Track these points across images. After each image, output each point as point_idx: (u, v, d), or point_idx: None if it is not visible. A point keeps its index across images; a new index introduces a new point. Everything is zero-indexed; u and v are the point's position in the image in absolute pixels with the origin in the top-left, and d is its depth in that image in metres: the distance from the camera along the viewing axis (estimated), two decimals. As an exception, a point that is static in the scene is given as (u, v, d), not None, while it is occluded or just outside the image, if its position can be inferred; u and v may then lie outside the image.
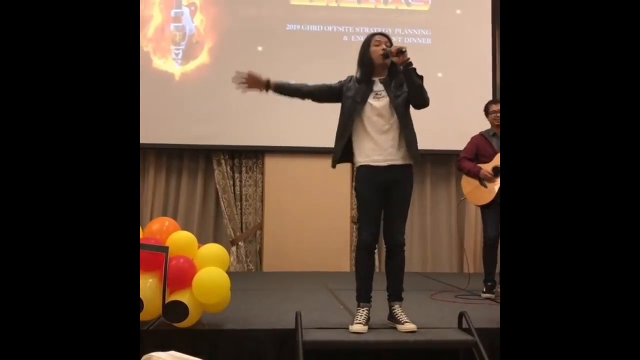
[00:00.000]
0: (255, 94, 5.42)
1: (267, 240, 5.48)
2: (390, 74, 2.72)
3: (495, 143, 3.91)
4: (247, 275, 5.13)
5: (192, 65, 5.49)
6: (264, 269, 5.45)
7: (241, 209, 5.52)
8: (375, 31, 2.84)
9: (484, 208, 3.93)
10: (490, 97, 5.48)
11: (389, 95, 2.68)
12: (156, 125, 5.27)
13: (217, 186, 5.51)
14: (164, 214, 5.40)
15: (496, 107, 3.91)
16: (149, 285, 2.56)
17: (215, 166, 5.51)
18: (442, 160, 5.75)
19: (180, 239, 2.73)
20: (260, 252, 5.52)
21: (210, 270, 2.62)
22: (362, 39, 2.85)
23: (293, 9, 5.59)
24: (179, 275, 2.59)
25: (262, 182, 5.55)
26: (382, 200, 2.70)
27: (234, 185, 5.54)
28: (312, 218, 5.45)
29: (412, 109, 2.75)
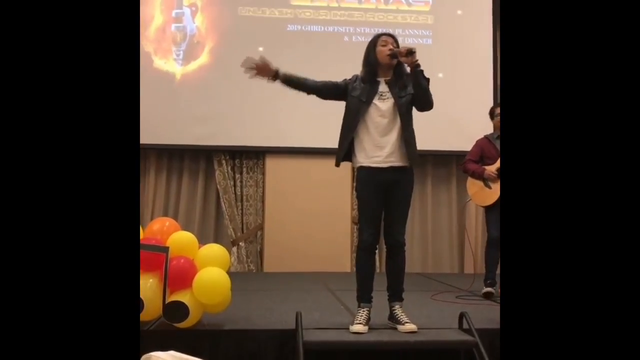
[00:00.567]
0: (257, 93, 5.45)
1: (268, 240, 5.48)
2: (395, 74, 2.73)
3: (499, 145, 3.92)
4: (247, 276, 5.13)
5: (193, 65, 5.50)
6: (264, 269, 5.45)
7: (242, 209, 5.52)
8: (381, 31, 2.84)
9: (487, 208, 3.95)
10: (491, 98, 5.49)
11: (393, 96, 2.68)
12: (157, 126, 5.27)
13: (218, 186, 5.51)
14: (165, 214, 5.40)
15: None
16: (149, 285, 2.56)
17: (216, 166, 5.51)
18: (443, 160, 5.75)
19: (181, 239, 2.73)
20: (261, 253, 5.52)
21: (211, 271, 2.62)
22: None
23: (294, 10, 5.59)
24: (180, 275, 2.59)
25: (263, 182, 5.55)
26: (382, 201, 2.70)
27: (234, 185, 5.54)
28: (312, 218, 5.45)
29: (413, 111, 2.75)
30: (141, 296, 2.46)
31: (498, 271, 3.85)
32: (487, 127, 4.10)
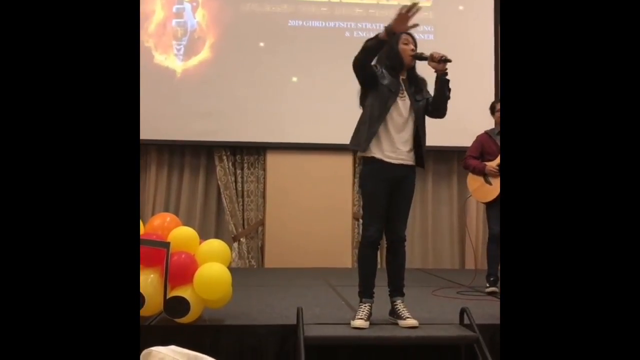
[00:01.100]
0: (258, 89, 5.44)
1: (269, 236, 5.48)
2: (409, 76, 2.74)
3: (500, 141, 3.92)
4: (248, 272, 5.14)
5: (193, 61, 5.49)
6: (265, 265, 5.45)
7: (243, 205, 5.53)
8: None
9: (488, 204, 3.95)
10: (492, 93, 5.47)
11: (409, 96, 2.71)
12: (158, 121, 5.27)
13: (219, 182, 5.51)
14: (166, 210, 5.40)
15: None
16: (150, 280, 2.56)
17: (217, 162, 5.51)
18: (444, 156, 5.75)
19: (182, 235, 2.73)
20: (262, 248, 5.53)
21: (212, 266, 2.62)
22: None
23: (295, 5, 5.58)
24: (181, 270, 2.59)
25: (264, 178, 5.55)
26: (388, 196, 2.71)
27: (235, 181, 5.54)
28: (313, 214, 5.45)
29: None
30: (142, 291, 2.46)
31: (500, 266, 3.85)
32: (488, 123, 4.10)
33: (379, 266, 2.80)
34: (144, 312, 2.52)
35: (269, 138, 5.48)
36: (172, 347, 0.88)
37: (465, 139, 4.18)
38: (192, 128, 5.37)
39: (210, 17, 5.53)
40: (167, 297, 2.53)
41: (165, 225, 2.79)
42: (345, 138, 2.82)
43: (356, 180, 5.46)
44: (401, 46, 2.72)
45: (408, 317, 2.62)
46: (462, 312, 2.66)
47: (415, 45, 2.75)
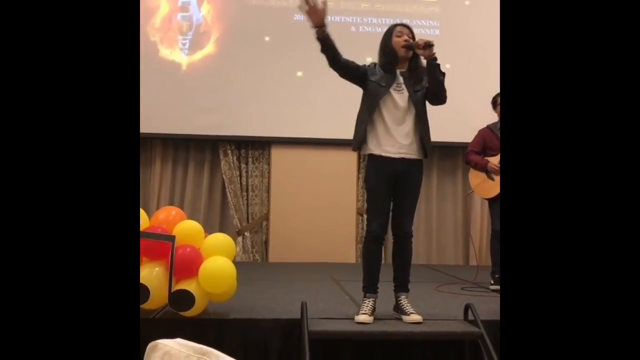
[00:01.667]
0: (263, 83, 5.44)
1: (273, 230, 5.49)
2: (410, 67, 2.72)
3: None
4: (253, 266, 5.15)
5: (199, 55, 5.49)
6: (269, 259, 5.46)
7: (247, 199, 5.53)
8: (397, 22, 2.83)
9: (491, 201, 3.93)
10: (497, 89, 5.44)
11: (408, 89, 2.68)
12: (163, 116, 5.28)
13: (224, 176, 5.51)
14: (170, 204, 5.40)
15: None
16: (155, 274, 2.57)
17: (221, 157, 5.51)
18: (449, 152, 5.73)
19: (187, 228, 2.73)
20: (266, 243, 5.53)
21: (217, 260, 2.62)
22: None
23: (301, -1, 5.56)
24: (186, 264, 2.60)
25: (269, 172, 5.55)
26: (391, 191, 2.70)
27: (240, 175, 5.55)
28: (318, 209, 5.45)
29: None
30: (147, 285, 2.47)
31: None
32: (494, 118, 4.08)
33: (383, 261, 2.80)
34: (149, 305, 2.53)
35: (273, 133, 5.47)
36: (178, 340, 0.88)
37: (471, 135, 4.16)
38: (197, 122, 5.37)
39: (216, 12, 5.52)
40: (172, 290, 2.54)
41: (171, 219, 2.79)
42: (350, 133, 2.81)
43: (361, 175, 5.46)
44: (394, 39, 2.71)
45: (412, 313, 2.62)
46: (467, 308, 2.66)
47: (413, 36, 2.73)
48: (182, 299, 2.52)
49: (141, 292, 2.41)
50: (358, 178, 5.53)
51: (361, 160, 5.39)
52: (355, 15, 5.56)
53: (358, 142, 2.72)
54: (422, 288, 3.67)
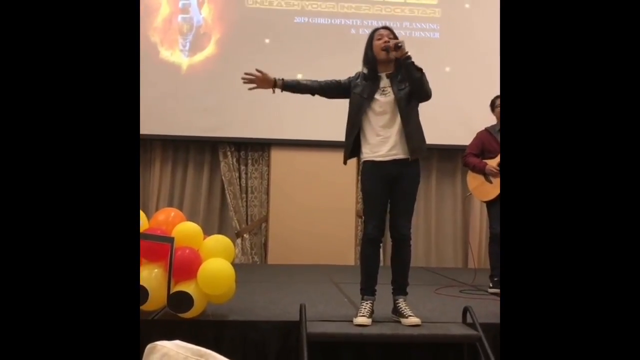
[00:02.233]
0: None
1: (272, 232, 5.49)
2: (397, 67, 2.72)
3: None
4: (252, 268, 5.15)
5: (199, 56, 5.49)
6: (268, 261, 5.46)
7: (247, 201, 5.53)
8: (378, 25, 2.84)
9: (489, 203, 3.93)
10: (497, 92, 5.45)
11: (393, 90, 2.69)
12: (162, 117, 5.28)
13: (223, 178, 5.51)
14: (170, 205, 5.41)
15: None
16: (154, 275, 2.57)
17: (221, 158, 5.51)
18: (448, 155, 5.73)
19: (186, 230, 2.73)
20: (265, 245, 5.53)
21: (216, 261, 2.63)
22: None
23: (301, 1, 5.57)
24: (184, 265, 2.60)
25: (268, 174, 5.55)
26: (386, 193, 2.70)
27: (239, 177, 5.55)
28: (317, 211, 5.45)
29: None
30: (146, 286, 2.47)
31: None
32: (493, 121, 4.08)
33: (382, 264, 2.80)
34: (148, 306, 2.53)
35: (273, 135, 5.48)
36: (177, 341, 0.89)
37: (470, 137, 4.16)
38: (197, 124, 5.37)
39: (216, 13, 5.53)
40: (171, 291, 2.54)
41: (170, 220, 2.80)
42: (350, 136, 2.81)
43: (360, 177, 5.46)
44: (374, 42, 2.73)
45: (411, 315, 2.62)
46: (465, 310, 2.66)
47: (395, 37, 2.72)
48: (181, 300, 2.53)
49: (140, 294, 2.41)
50: (357, 180, 5.52)
51: (360, 163, 5.39)
52: (356, 18, 5.57)
53: (347, 154, 2.83)
54: (421, 290, 3.67)
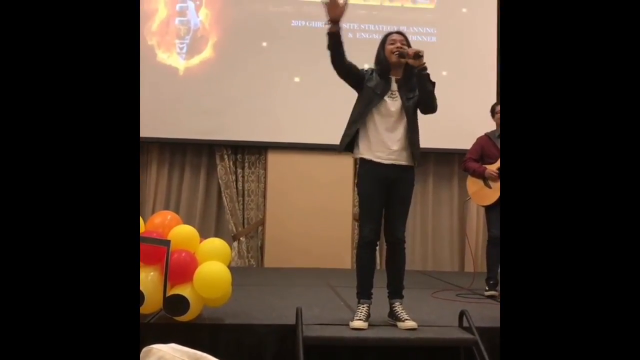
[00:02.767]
0: (260, 88, 5.44)
1: (269, 236, 5.48)
2: (404, 75, 2.74)
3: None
4: (248, 271, 5.14)
5: (196, 59, 5.49)
6: (265, 264, 5.45)
7: (243, 204, 5.53)
8: (392, 30, 2.85)
9: (488, 208, 3.94)
10: (495, 96, 5.47)
11: (401, 97, 2.70)
12: (159, 120, 5.28)
13: (220, 181, 5.51)
14: (166, 208, 5.40)
15: None
16: (150, 278, 2.56)
17: (218, 161, 5.51)
18: (445, 159, 5.75)
19: (183, 233, 2.73)
20: (261, 248, 5.53)
21: (212, 265, 2.62)
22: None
23: (299, 5, 5.58)
24: (181, 268, 2.59)
25: (265, 177, 5.55)
26: (383, 196, 2.71)
27: (236, 180, 5.55)
28: (314, 214, 5.45)
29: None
30: (142, 289, 2.46)
31: (499, 270, 3.85)
32: (490, 125, 4.10)
33: (377, 267, 2.80)
34: (144, 309, 2.52)
35: (270, 138, 5.48)
36: (172, 345, 0.88)
37: (467, 142, 4.18)
38: (194, 126, 5.37)
39: (214, 16, 5.53)
40: (167, 295, 2.54)
41: (166, 223, 2.79)
42: (347, 139, 2.82)
43: (356, 181, 5.47)
44: (387, 47, 2.73)
45: (407, 319, 2.62)
46: (462, 314, 2.66)
47: (408, 43, 2.74)
48: (177, 303, 2.52)
49: (136, 297, 2.40)
50: (354, 184, 5.53)
51: (357, 165, 5.40)
52: (353, 22, 5.57)
53: (344, 144, 2.76)
54: (418, 294, 3.67)
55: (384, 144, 2.68)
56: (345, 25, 5.55)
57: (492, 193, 3.86)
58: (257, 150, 5.56)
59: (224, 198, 5.49)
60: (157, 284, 2.56)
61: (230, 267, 2.72)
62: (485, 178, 3.91)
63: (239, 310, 2.93)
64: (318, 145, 5.41)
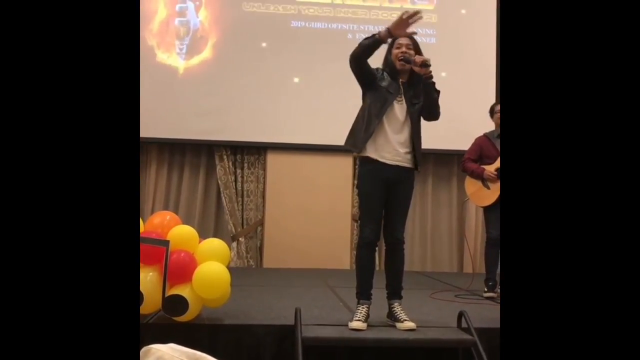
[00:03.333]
0: (260, 89, 5.45)
1: (268, 236, 5.48)
2: (410, 80, 2.74)
3: (499, 144, 3.91)
4: (247, 271, 5.14)
5: (195, 60, 5.50)
6: (264, 265, 5.46)
7: (242, 204, 5.53)
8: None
9: (486, 208, 3.94)
10: (494, 98, 5.48)
11: (406, 101, 2.71)
12: (159, 120, 5.28)
13: (219, 181, 5.51)
14: (165, 208, 5.40)
15: None
16: (149, 278, 2.56)
17: (217, 161, 5.51)
18: (445, 160, 5.75)
19: (182, 233, 2.73)
20: (260, 248, 5.53)
21: (211, 265, 2.62)
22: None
23: (298, 6, 5.59)
24: (180, 269, 2.59)
25: (264, 178, 5.55)
26: (383, 197, 2.71)
27: (235, 180, 5.55)
28: (313, 215, 5.45)
29: None
30: (141, 289, 2.46)
31: (498, 271, 3.85)
32: (490, 127, 4.10)
33: (377, 268, 2.81)
34: (143, 309, 2.52)
35: (269, 138, 5.48)
36: (171, 344, 0.89)
37: (466, 143, 4.18)
38: (193, 127, 5.37)
39: (213, 17, 5.53)
40: (166, 295, 2.54)
41: (165, 224, 2.79)
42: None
43: (356, 181, 5.47)
44: (394, 51, 2.74)
45: (406, 320, 2.62)
46: (460, 315, 2.66)
47: (417, 49, 2.74)
48: (176, 304, 2.52)
49: (135, 297, 2.41)
50: (353, 184, 5.53)
51: (356, 166, 5.40)
52: (353, 23, 5.58)
53: (355, 142, 2.71)
54: (416, 295, 3.67)
55: (390, 144, 2.69)
56: (345, 26, 5.65)
57: (491, 194, 3.86)
58: (256, 151, 5.57)
59: (223, 198, 5.49)
60: (156, 284, 2.56)
61: (229, 268, 2.72)
62: (483, 179, 3.91)
63: (238, 310, 2.93)
64: (317, 145, 5.42)
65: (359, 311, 2.64)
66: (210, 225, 5.58)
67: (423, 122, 2.82)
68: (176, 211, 5.30)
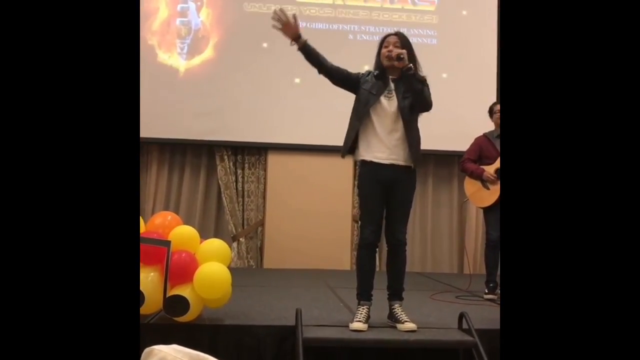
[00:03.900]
0: (261, 89, 5.45)
1: (269, 236, 5.48)
2: (400, 75, 2.74)
3: (499, 145, 3.90)
4: (247, 272, 5.14)
5: (197, 60, 5.49)
6: (264, 265, 5.46)
7: (243, 205, 5.53)
8: (389, 31, 2.86)
9: (486, 209, 3.93)
10: (494, 98, 5.48)
11: (397, 97, 2.70)
12: (159, 120, 5.28)
13: (220, 182, 5.51)
14: (166, 209, 5.40)
15: None
16: (150, 279, 2.56)
17: (218, 162, 5.51)
18: (445, 160, 5.75)
19: (183, 234, 2.73)
20: (261, 249, 5.53)
21: (212, 265, 2.62)
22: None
23: (299, 6, 5.58)
24: (181, 269, 2.60)
25: (265, 178, 5.55)
26: (383, 198, 2.71)
27: (236, 181, 5.55)
28: (313, 215, 5.45)
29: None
30: (142, 289, 2.46)
31: (499, 272, 3.85)
32: (490, 127, 4.10)
33: (378, 269, 2.80)
34: (144, 310, 2.52)
35: (270, 139, 5.48)
36: (174, 345, 0.89)
37: (467, 143, 4.18)
38: (194, 127, 5.37)
39: (214, 17, 5.53)
40: (167, 295, 2.54)
41: (166, 224, 2.79)
42: (347, 141, 2.82)
43: (356, 182, 5.47)
44: (382, 51, 2.76)
45: (407, 321, 2.62)
46: (461, 316, 2.66)
47: (405, 45, 2.73)
48: (177, 304, 2.52)
49: (136, 297, 2.41)
50: (354, 185, 5.53)
51: (357, 167, 5.40)
52: (353, 24, 5.58)
53: (346, 148, 2.79)
54: (417, 296, 3.67)
55: (382, 144, 2.69)
56: (346, 26, 5.65)
57: (490, 195, 3.85)
58: (257, 151, 5.57)
59: (223, 199, 5.49)
60: (157, 284, 2.56)
61: (229, 268, 2.72)
62: (483, 180, 3.90)
63: (239, 311, 2.94)
64: (318, 146, 5.42)
65: (360, 312, 2.65)
66: (210, 225, 5.58)
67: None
68: (177, 211, 5.30)
